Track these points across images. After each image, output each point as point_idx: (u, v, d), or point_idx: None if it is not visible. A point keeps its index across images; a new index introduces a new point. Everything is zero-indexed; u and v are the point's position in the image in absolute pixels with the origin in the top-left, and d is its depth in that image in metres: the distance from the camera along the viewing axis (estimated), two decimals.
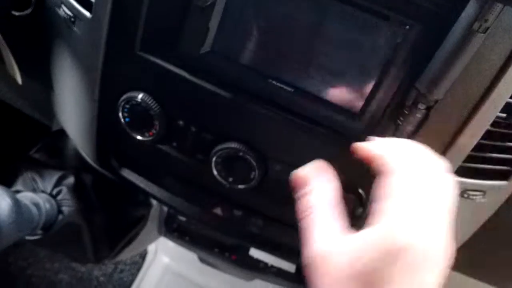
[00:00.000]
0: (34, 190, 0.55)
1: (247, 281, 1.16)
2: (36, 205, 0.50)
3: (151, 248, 1.23)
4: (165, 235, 0.76)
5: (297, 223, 0.58)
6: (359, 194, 0.51)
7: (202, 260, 0.85)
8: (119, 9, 0.48)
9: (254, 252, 0.68)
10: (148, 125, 0.53)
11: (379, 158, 0.33)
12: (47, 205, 0.52)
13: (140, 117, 0.53)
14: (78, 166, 0.62)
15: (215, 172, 0.53)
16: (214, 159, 0.52)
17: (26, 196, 0.50)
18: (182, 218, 0.68)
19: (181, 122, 0.53)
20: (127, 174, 0.63)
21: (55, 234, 0.55)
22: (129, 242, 0.66)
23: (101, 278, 1.16)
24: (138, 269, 1.19)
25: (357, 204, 0.51)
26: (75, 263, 1.17)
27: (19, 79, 0.56)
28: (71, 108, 0.61)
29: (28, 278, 1.14)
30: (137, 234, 0.66)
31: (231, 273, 0.85)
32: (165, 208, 0.68)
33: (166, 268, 1.20)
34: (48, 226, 0.53)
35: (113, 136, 0.58)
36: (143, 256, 1.21)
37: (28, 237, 0.54)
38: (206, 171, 0.54)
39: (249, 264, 0.71)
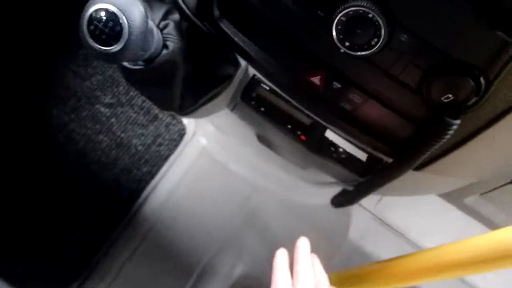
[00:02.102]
0: None
1: (293, 174, 1.17)
2: (150, 31, 0.48)
3: (189, 129, 1.23)
4: (237, 106, 0.75)
5: (395, 107, 0.57)
6: (478, 81, 0.49)
7: (260, 138, 0.85)
8: None
9: (330, 134, 0.67)
10: None
11: None
12: (157, 36, 0.50)
13: None
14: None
15: (333, 33, 0.50)
16: (338, 17, 0.49)
17: None
18: (265, 86, 0.66)
19: None
20: (226, 26, 0.60)
21: (153, 70, 0.53)
22: (211, 99, 0.64)
23: (140, 147, 1.17)
24: (176, 146, 1.20)
25: (473, 91, 0.49)
26: (116, 127, 1.17)
27: None
28: None
29: (68, 133, 1.15)
30: (220, 93, 0.65)
31: (288, 157, 0.85)
32: (251, 72, 0.66)
33: (203, 150, 1.21)
34: (151, 59, 0.52)
35: None
36: (181, 135, 1.21)
37: (129, 65, 0.53)
38: (322, 31, 0.51)
39: (319, 146, 0.70)
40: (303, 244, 0.65)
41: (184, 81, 0.59)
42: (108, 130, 1.16)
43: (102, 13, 0.40)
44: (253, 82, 0.67)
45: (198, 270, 1.11)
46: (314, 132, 0.69)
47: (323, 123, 0.65)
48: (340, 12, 0.48)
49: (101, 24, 0.40)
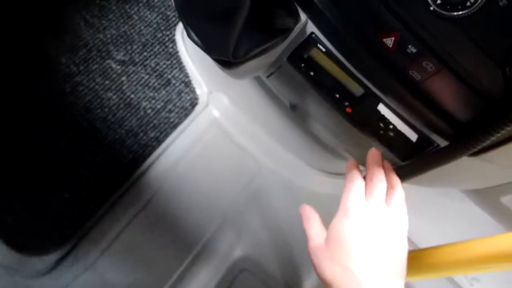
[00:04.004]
0: None
1: (303, 158, 1.12)
2: None
3: (202, 99, 1.17)
4: (279, 69, 0.69)
5: (471, 80, 0.52)
6: None
7: (293, 107, 0.80)
8: None
9: (383, 108, 0.63)
10: None
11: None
12: None
13: None
14: None
15: None
16: None
17: None
18: (321, 47, 0.61)
19: None
20: None
21: None
22: (264, 51, 0.59)
23: (149, 111, 1.11)
24: (186, 115, 1.14)
25: None
26: (127, 87, 1.10)
27: None
28: None
29: (75, 85, 1.07)
30: (274, 46, 0.60)
31: (321, 132, 0.80)
32: (309, 30, 0.61)
33: (214, 122, 1.16)
34: None
35: None
36: (193, 104, 1.15)
37: None
38: None
39: (365, 121, 0.66)
40: (374, 152, 0.62)
41: (243, 24, 0.53)
42: (117, 88, 1.09)
43: None
44: (309, 41, 0.62)
45: (198, 247, 1.05)
46: (363, 104, 0.64)
47: (381, 94, 0.60)
48: None
49: None
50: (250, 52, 0.57)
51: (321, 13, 0.56)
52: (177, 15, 1.17)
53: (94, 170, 1.02)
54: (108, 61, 1.11)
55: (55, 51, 1.07)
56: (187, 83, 1.15)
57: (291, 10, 0.58)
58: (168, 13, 1.18)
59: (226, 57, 0.56)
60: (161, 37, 1.17)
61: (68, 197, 0.98)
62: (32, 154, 0.99)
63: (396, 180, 0.59)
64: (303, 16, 0.59)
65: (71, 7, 1.11)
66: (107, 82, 1.09)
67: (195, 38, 0.57)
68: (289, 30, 0.59)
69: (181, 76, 1.15)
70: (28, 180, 0.97)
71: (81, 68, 1.08)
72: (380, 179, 0.57)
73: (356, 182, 0.58)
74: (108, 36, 1.12)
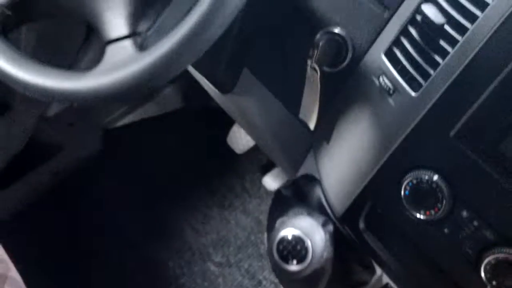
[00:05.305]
0: None
1: None
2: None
3: None
4: None
5: None
6: None
7: None
8: (453, 95, 0.51)
9: None
10: (428, 205, 0.55)
11: None
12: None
13: (423, 195, 0.55)
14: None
15: (482, 275, 0.52)
16: (486, 260, 0.52)
17: None
18: None
19: (465, 213, 0.53)
20: (369, 237, 0.64)
21: (305, 276, 0.58)
22: None
23: None
24: None
25: None
26: (222, 287, 1.22)
27: (312, 126, 0.62)
28: (340, 160, 0.65)
29: (180, 286, 1.21)
30: None
31: None
32: (384, 281, 0.69)
33: None
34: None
35: (378, 202, 0.61)
36: None
37: (285, 267, 0.58)
38: (468, 268, 0.54)
39: None
40: None
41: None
42: None
43: (291, 237, 0.47)
44: None
45: None
46: None
47: None
48: (487, 256, 0.51)
49: (290, 246, 0.46)
50: None
51: (395, 274, 0.63)
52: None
53: None
54: (208, 263, 1.24)
55: (164, 255, 1.24)
56: (277, 284, 1.23)
57: (368, 266, 0.67)
58: (261, 217, 1.33)
59: None
60: (254, 239, 1.30)
61: None
62: None
63: None
64: (378, 271, 0.68)
65: (179, 214, 1.30)
66: (206, 283, 1.21)
67: None
68: (365, 284, 0.67)
69: (271, 277, 1.25)
70: None
71: (185, 270, 1.22)
72: None
73: None
74: (209, 240, 1.28)
